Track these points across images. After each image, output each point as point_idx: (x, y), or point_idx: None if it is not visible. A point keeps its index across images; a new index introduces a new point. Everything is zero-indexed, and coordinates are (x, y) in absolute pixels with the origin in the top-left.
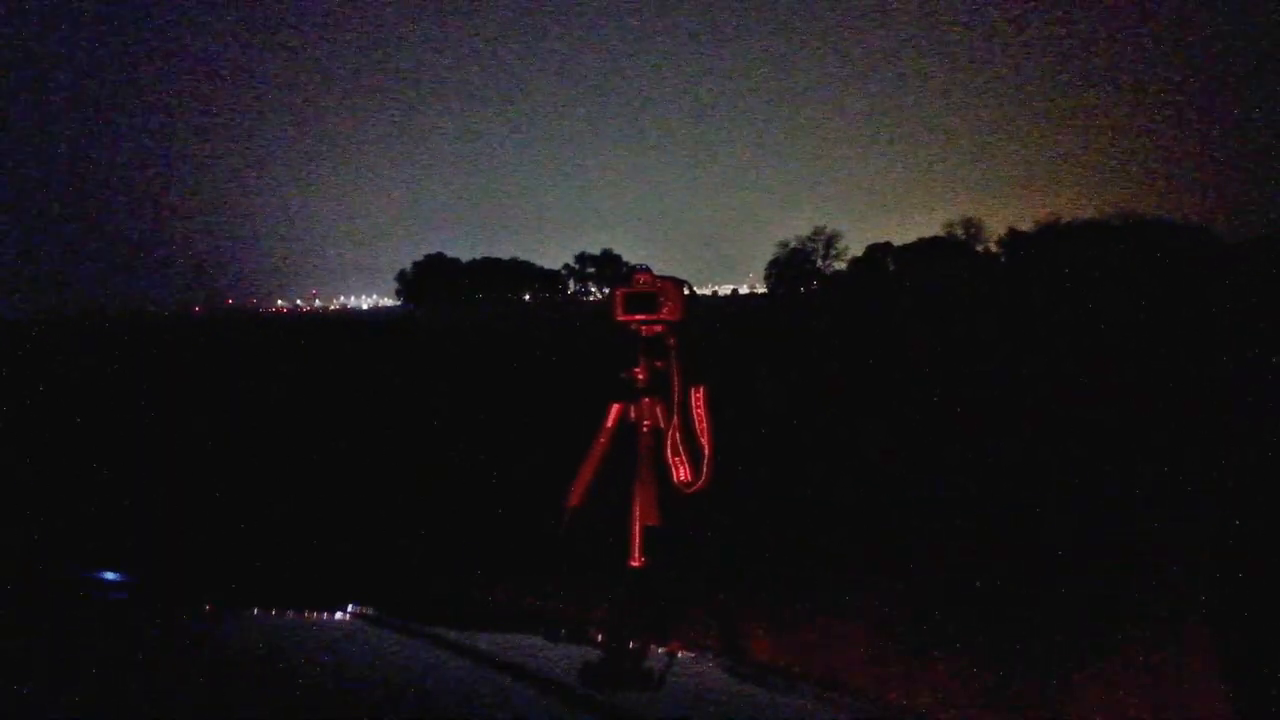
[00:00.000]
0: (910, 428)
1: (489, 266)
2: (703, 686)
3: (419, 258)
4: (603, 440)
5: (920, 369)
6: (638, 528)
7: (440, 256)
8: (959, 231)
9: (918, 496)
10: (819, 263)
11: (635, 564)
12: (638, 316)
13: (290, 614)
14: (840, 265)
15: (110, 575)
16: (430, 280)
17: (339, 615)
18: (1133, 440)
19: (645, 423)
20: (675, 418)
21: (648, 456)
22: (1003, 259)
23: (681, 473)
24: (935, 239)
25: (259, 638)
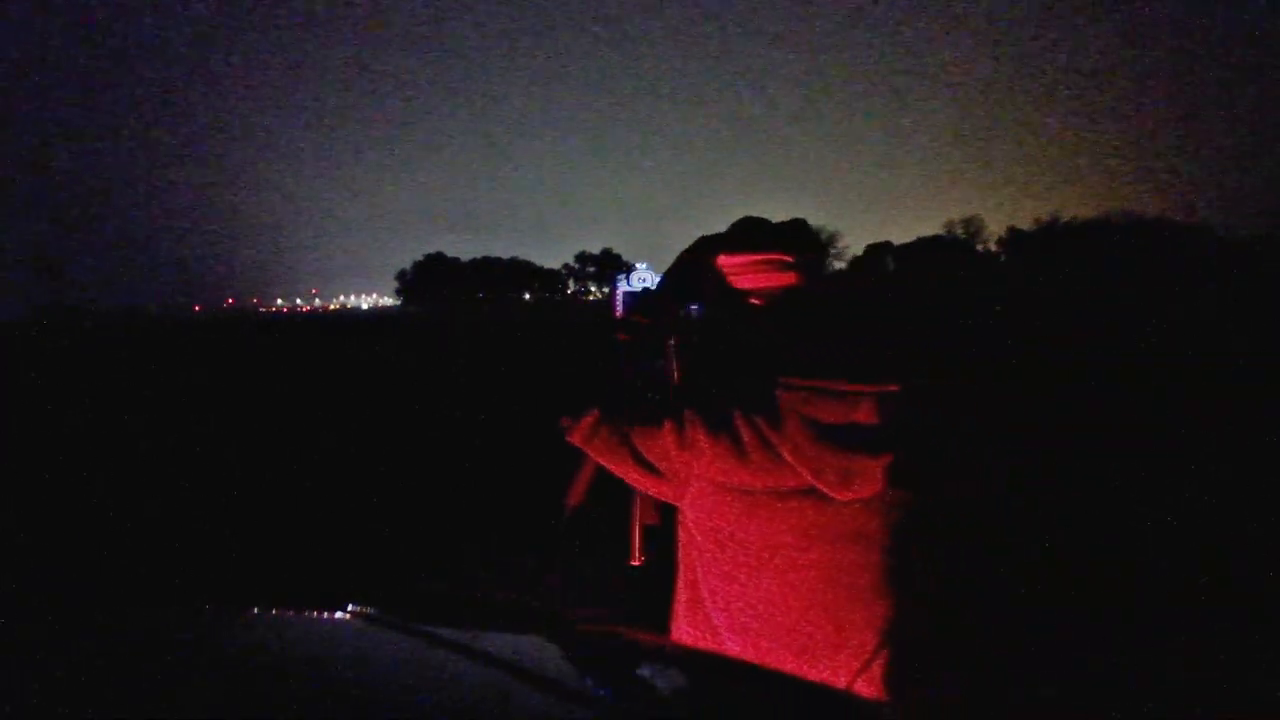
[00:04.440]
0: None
1: (489, 266)
2: (702, 686)
3: (419, 257)
4: None
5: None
6: (637, 527)
7: (440, 256)
8: (959, 231)
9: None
10: None
11: (635, 563)
12: (637, 316)
13: (290, 614)
14: (840, 264)
15: (109, 577)
16: (430, 280)
17: (339, 615)
18: (1132, 439)
19: None
20: None
21: None
22: (1003, 258)
23: None
24: (935, 238)
25: (259, 638)
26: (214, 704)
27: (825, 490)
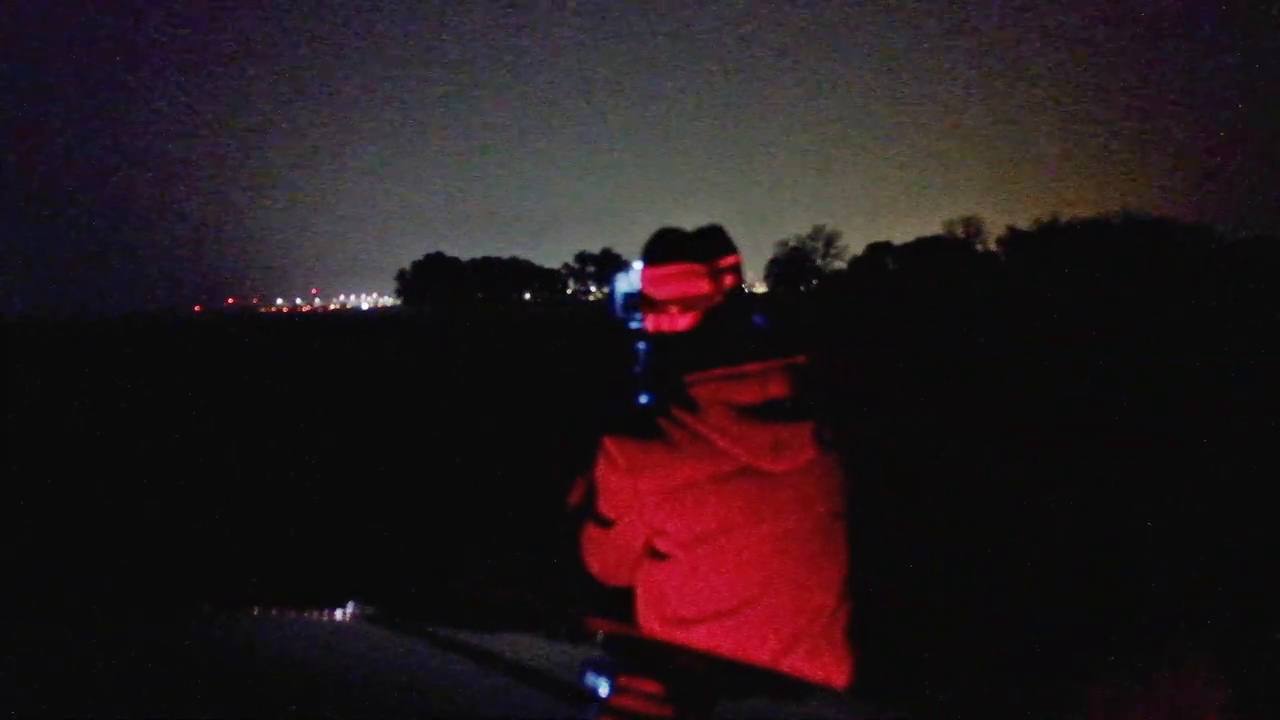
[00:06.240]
0: (905, 426)
1: (489, 266)
2: (700, 686)
3: (419, 257)
4: None
5: (915, 368)
6: None
7: (440, 256)
8: (959, 231)
9: (912, 495)
10: (819, 261)
11: None
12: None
13: (290, 614)
14: (840, 264)
15: (109, 577)
16: (430, 280)
17: (339, 615)
18: (1132, 439)
19: None
20: None
21: None
22: (1003, 258)
23: None
24: (935, 238)
25: (259, 638)
26: (214, 704)
27: (762, 466)
